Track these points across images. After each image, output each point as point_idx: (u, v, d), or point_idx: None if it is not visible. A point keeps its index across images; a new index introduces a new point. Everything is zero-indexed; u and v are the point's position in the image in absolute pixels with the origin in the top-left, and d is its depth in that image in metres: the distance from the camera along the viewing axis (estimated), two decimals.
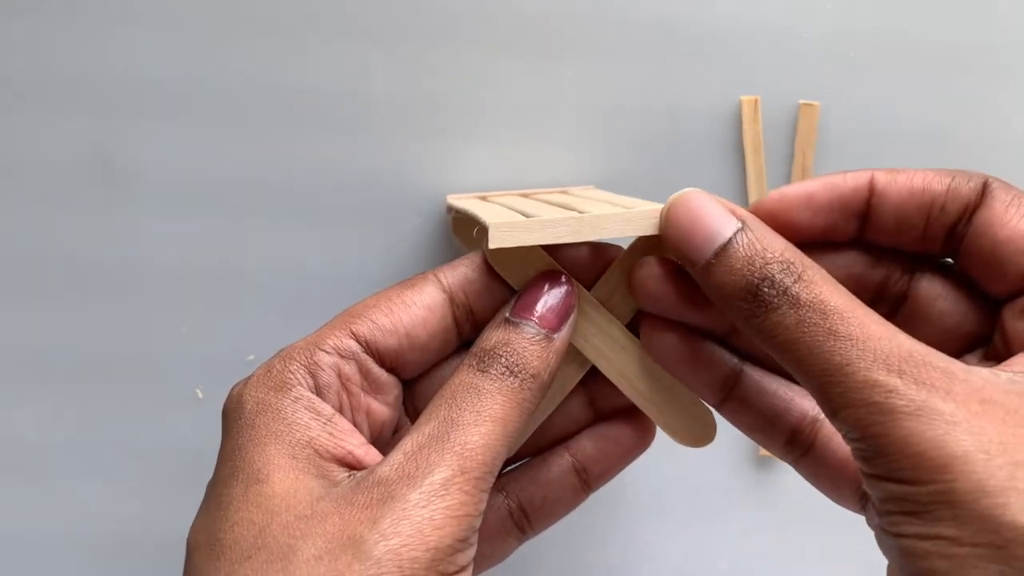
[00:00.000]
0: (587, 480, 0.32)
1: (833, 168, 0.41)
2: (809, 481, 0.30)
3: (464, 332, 0.30)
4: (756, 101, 0.41)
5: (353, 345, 0.28)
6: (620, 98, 0.42)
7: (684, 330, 0.29)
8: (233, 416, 0.27)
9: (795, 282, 0.24)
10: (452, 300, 0.29)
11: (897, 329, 0.24)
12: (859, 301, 0.25)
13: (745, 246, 0.25)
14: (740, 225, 0.26)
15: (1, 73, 0.43)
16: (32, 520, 0.43)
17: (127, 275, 0.43)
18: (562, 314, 0.28)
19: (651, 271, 0.29)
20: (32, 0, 0.43)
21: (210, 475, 0.28)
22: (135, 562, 0.43)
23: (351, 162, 0.43)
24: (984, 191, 0.27)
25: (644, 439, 0.32)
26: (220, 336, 0.43)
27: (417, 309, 0.28)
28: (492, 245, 0.27)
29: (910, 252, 0.29)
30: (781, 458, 0.31)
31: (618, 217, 0.29)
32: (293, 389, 0.27)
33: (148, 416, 0.43)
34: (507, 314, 0.28)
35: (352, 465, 0.26)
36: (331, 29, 0.42)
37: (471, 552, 0.25)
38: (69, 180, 0.43)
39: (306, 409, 0.26)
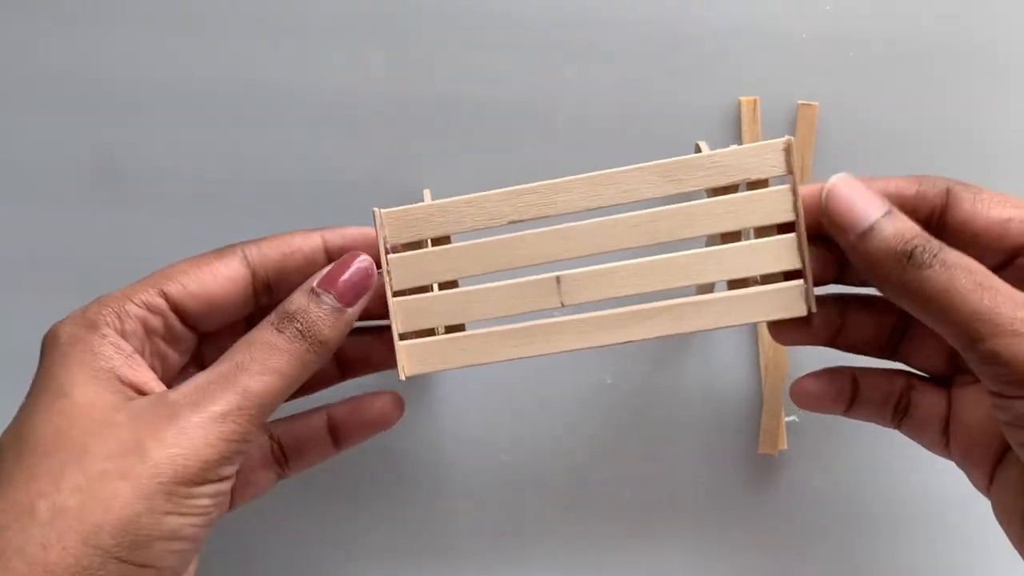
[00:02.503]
0: (337, 439, 0.36)
1: (832, 168, 0.41)
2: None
3: (260, 300, 0.35)
4: (755, 102, 0.41)
5: (162, 303, 0.33)
6: (620, 98, 0.42)
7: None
8: (48, 347, 0.31)
9: (940, 250, 0.30)
10: (254, 274, 0.34)
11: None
12: None
13: (896, 222, 0.31)
14: (889, 208, 0.31)
15: (1, 73, 0.43)
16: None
17: (127, 275, 0.43)
18: (359, 292, 0.32)
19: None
20: (32, 0, 0.43)
21: None
22: None
23: (351, 162, 0.43)
24: (948, 194, 0.32)
25: (388, 417, 0.36)
26: None
27: (223, 280, 0.33)
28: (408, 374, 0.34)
29: None
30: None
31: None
32: (102, 328, 0.31)
33: None
34: (314, 283, 0.32)
35: (146, 393, 0.31)
36: (331, 29, 0.42)
37: (233, 468, 0.30)
38: (69, 180, 0.43)
39: (111, 344, 0.31)
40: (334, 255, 0.34)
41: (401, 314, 0.34)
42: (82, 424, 0.29)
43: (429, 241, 0.35)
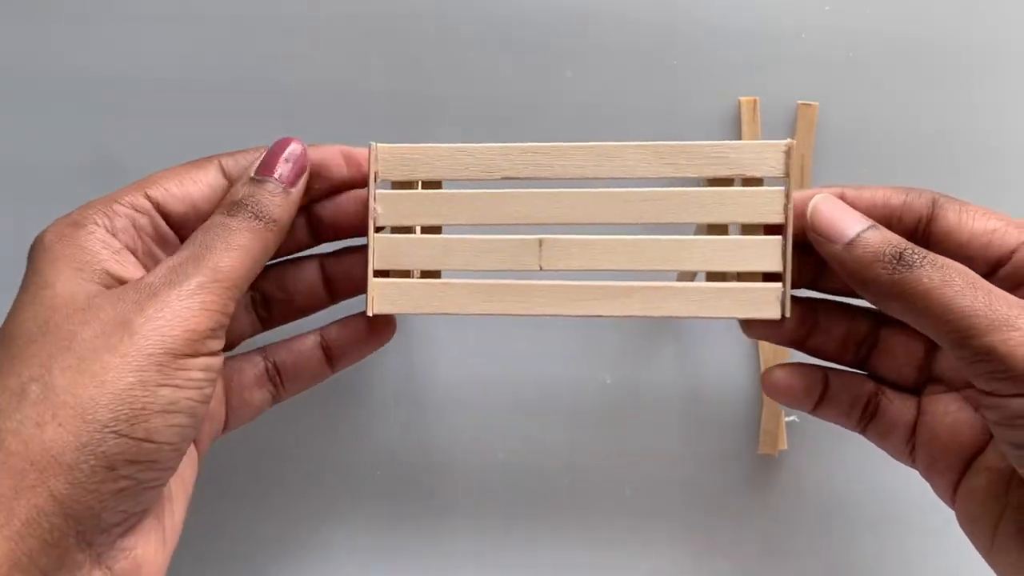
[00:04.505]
0: (331, 358, 0.37)
1: (832, 168, 0.42)
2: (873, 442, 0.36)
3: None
4: (755, 102, 0.41)
5: (147, 204, 0.33)
6: (619, 98, 0.42)
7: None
8: (35, 251, 0.32)
9: (928, 252, 0.31)
10: (230, 182, 0.34)
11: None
12: None
13: (881, 232, 0.32)
14: (873, 223, 0.32)
15: (2, 73, 0.43)
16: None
17: None
18: (298, 172, 0.34)
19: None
20: (33, 1, 0.43)
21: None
22: None
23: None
24: (934, 205, 0.33)
25: (380, 335, 0.37)
26: None
27: (202, 186, 0.34)
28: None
29: None
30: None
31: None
32: (89, 226, 0.32)
33: None
34: (252, 173, 0.33)
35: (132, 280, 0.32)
36: (331, 29, 0.42)
37: (219, 344, 0.31)
38: (69, 180, 0.43)
39: (99, 240, 0.32)
40: (312, 170, 0.35)
41: (379, 250, 0.34)
42: (66, 311, 0.29)
43: (420, 184, 0.35)
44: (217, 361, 0.31)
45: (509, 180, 0.34)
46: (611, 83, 0.42)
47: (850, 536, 0.42)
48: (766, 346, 0.42)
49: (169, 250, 0.34)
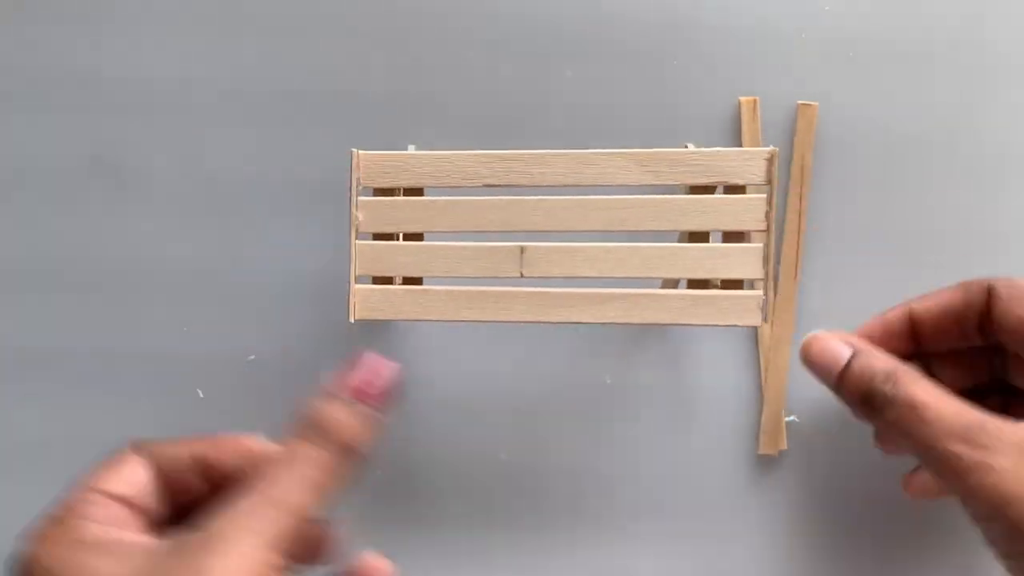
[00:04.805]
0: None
1: (832, 168, 0.41)
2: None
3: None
4: (755, 102, 0.41)
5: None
6: (619, 98, 0.42)
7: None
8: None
9: (892, 386, 0.33)
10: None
11: (964, 405, 0.32)
12: (941, 390, 0.33)
13: (857, 367, 0.34)
14: (852, 351, 0.34)
15: (2, 74, 0.43)
16: (32, 519, 0.43)
17: (127, 275, 0.43)
18: (392, 397, 0.30)
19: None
20: (33, 1, 0.43)
21: None
22: None
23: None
24: (990, 292, 0.35)
25: None
26: (220, 336, 0.43)
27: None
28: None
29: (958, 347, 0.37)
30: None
31: None
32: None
33: (149, 415, 0.43)
34: (343, 394, 0.30)
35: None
36: (331, 29, 0.42)
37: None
38: (69, 180, 0.43)
39: (95, 524, 0.29)
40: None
41: (362, 257, 0.35)
42: None
43: (402, 191, 0.35)
44: None
45: (490, 187, 0.34)
46: (611, 83, 0.42)
47: (849, 536, 0.42)
48: (766, 345, 0.42)
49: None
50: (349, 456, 0.29)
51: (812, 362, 0.35)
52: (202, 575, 0.26)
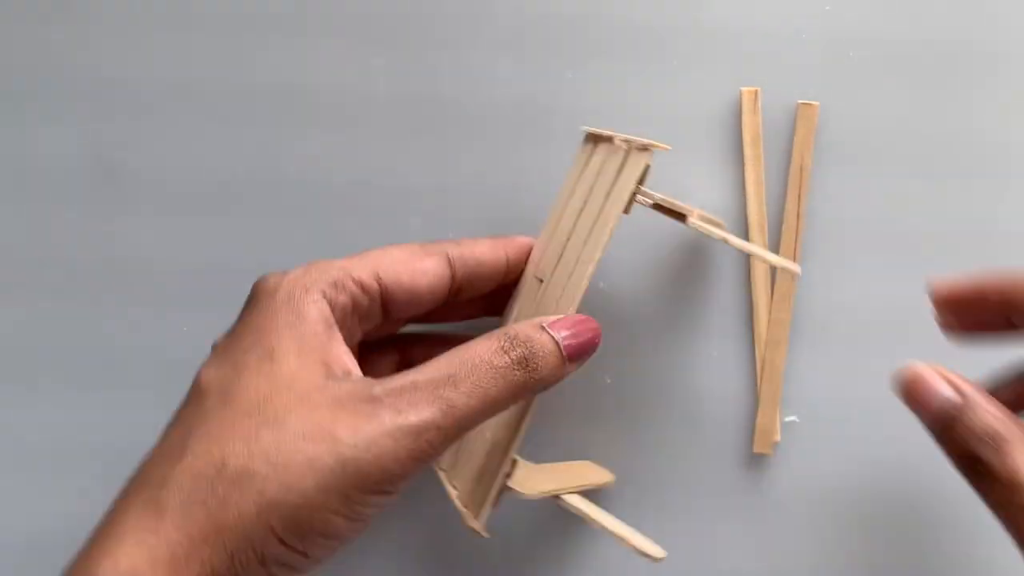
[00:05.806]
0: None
1: (832, 168, 0.42)
2: None
3: (448, 300, 0.36)
4: (756, 93, 0.41)
5: (375, 288, 0.33)
6: (620, 98, 0.42)
7: None
8: (263, 297, 0.32)
9: (996, 455, 0.29)
10: (452, 276, 0.35)
11: None
12: None
13: (964, 422, 0.30)
14: (960, 401, 0.30)
15: (2, 74, 0.43)
16: (33, 521, 0.43)
17: (127, 275, 0.43)
18: (583, 352, 0.32)
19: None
20: (33, 1, 0.43)
21: None
22: None
23: (351, 161, 0.43)
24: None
25: None
26: None
27: (431, 276, 0.34)
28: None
29: None
30: None
31: None
32: (314, 294, 0.32)
33: (149, 416, 0.43)
34: (547, 323, 0.32)
35: (339, 368, 0.31)
36: (332, 29, 0.42)
37: (408, 484, 0.30)
38: (69, 180, 0.43)
39: (319, 314, 0.31)
40: (512, 270, 0.36)
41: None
42: (285, 396, 0.29)
43: None
44: (394, 499, 0.30)
45: None
46: (611, 83, 0.42)
47: (846, 536, 0.42)
48: (761, 344, 0.42)
49: (367, 327, 0.34)
50: (531, 376, 0.31)
51: (914, 406, 0.32)
52: (337, 436, 0.28)
